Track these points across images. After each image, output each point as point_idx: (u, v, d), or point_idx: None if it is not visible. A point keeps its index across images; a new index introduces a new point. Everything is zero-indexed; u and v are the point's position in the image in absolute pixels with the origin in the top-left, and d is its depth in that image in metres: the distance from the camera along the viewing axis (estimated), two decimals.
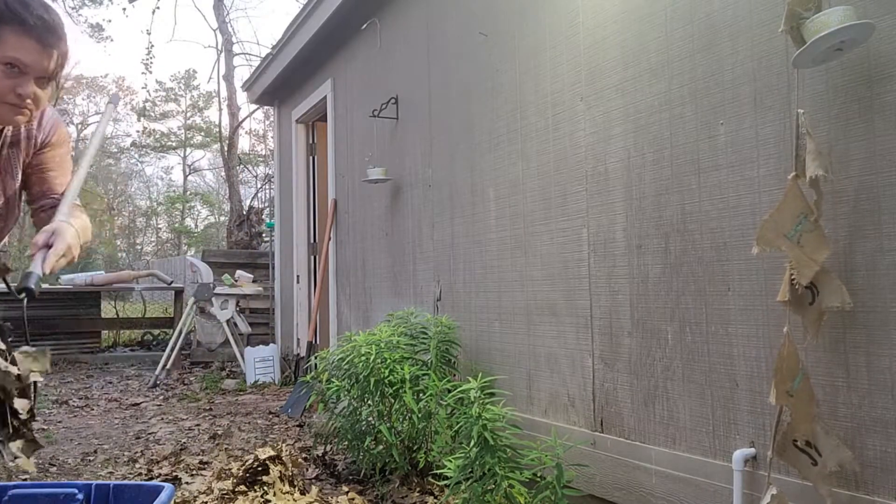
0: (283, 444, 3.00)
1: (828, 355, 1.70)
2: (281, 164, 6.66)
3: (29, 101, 1.40)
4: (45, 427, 4.38)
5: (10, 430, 1.33)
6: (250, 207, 11.78)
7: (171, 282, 8.28)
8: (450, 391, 2.54)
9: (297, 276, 6.04)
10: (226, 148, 13.57)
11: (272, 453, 2.80)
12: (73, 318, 7.86)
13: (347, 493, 2.81)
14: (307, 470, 3.17)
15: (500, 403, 2.34)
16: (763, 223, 1.61)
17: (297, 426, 4.26)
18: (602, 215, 2.41)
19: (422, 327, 3.15)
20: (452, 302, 3.37)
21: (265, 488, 2.70)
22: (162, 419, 4.61)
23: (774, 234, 1.60)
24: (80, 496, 1.70)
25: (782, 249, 1.60)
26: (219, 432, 4.08)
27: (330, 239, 5.14)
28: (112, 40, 41.67)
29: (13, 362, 1.45)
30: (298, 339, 5.98)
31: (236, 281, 6.96)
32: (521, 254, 2.83)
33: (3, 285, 1.46)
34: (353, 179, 4.70)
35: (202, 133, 28.87)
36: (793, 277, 1.59)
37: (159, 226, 34.03)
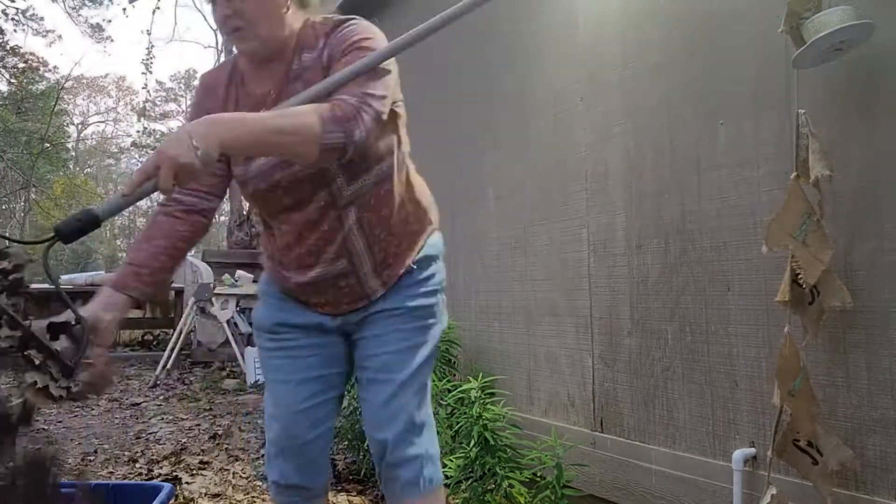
0: None
1: (828, 355, 1.70)
2: None
3: None
4: (46, 427, 4.38)
5: None
6: (251, 207, 11.79)
7: (172, 282, 8.28)
8: (450, 391, 2.54)
9: None
10: None
11: None
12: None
13: (347, 492, 2.81)
14: None
15: (500, 403, 2.34)
16: (770, 223, 1.61)
17: None
18: (602, 215, 2.41)
19: None
20: (452, 302, 3.37)
21: None
22: (162, 419, 4.62)
23: (781, 234, 1.60)
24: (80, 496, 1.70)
25: (790, 249, 1.60)
26: (219, 432, 4.08)
27: None
28: (112, 40, 41.75)
29: None
30: None
31: (236, 281, 6.96)
32: (521, 254, 2.83)
33: None
34: None
35: None
36: (799, 277, 1.58)
37: None
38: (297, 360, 1.54)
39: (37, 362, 1.14)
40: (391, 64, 1.47)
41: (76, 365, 1.19)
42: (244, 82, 1.51)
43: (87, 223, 1.12)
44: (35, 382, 1.14)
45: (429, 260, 1.56)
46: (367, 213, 1.47)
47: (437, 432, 2.69)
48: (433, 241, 1.59)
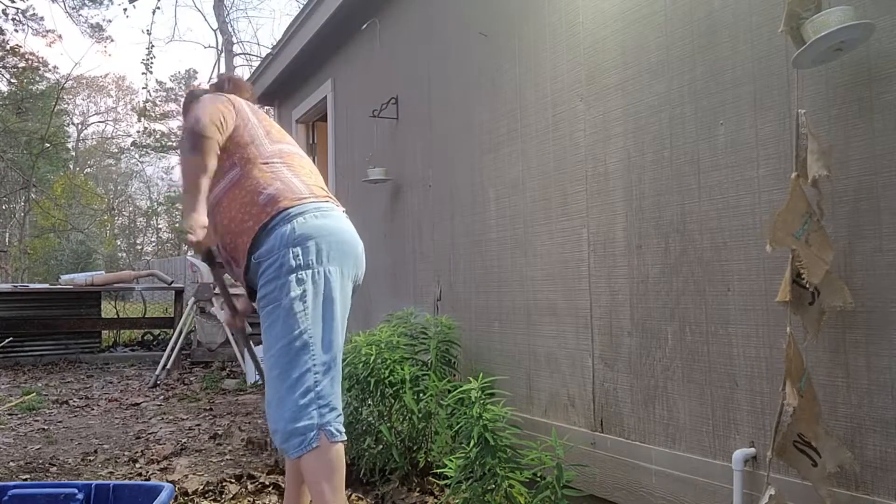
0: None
1: (828, 355, 1.70)
2: None
3: None
4: (46, 427, 4.38)
5: None
6: None
7: (172, 282, 8.28)
8: (450, 391, 2.54)
9: None
10: None
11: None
12: (74, 317, 7.86)
13: (348, 493, 2.81)
14: None
15: (501, 403, 2.34)
16: (774, 222, 1.60)
17: None
18: (602, 215, 2.41)
19: (422, 327, 3.15)
20: (452, 302, 3.37)
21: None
22: (162, 419, 4.62)
23: (785, 233, 1.60)
24: (80, 496, 1.70)
25: (793, 248, 1.59)
26: (219, 432, 4.08)
27: None
28: (112, 40, 41.69)
29: None
30: None
31: (236, 281, 6.95)
32: (521, 254, 2.83)
33: None
34: (354, 179, 4.70)
35: None
36: (802, 277, 1.58)
37: (159, 226, 34.03)
38: None
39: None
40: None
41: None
42: None
43: None
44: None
45: (269, 251, 1.90)
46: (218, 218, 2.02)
47: (437, 432, 2.70)
48: (276, 233, 1.90)
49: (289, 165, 2.05)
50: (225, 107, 1.98)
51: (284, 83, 6.17)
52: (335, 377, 1.93)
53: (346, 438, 1.92)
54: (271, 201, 1.92)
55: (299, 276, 1.87)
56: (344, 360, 2.94)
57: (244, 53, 19.52)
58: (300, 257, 1.88)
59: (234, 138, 2.01)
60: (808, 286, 1.60)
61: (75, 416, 4.79)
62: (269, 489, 2.92)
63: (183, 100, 2.35)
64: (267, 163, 2.01)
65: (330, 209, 2.02)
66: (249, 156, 2.00)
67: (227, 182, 1.99)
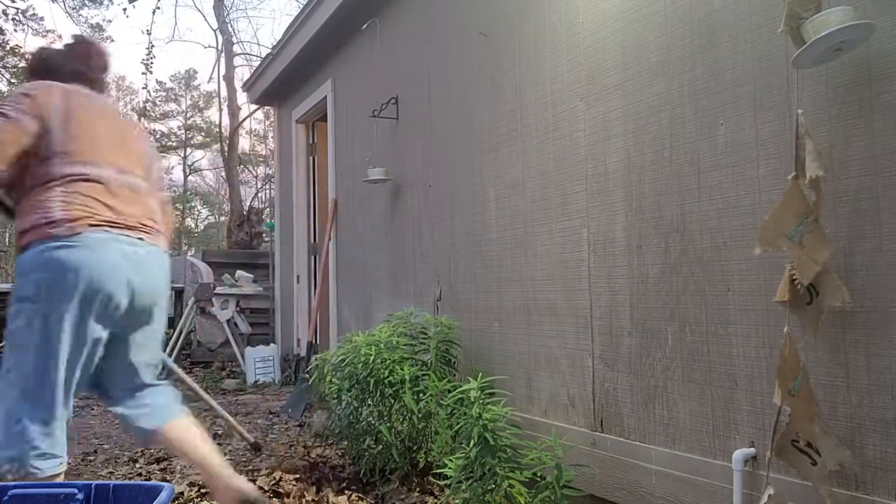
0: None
1: (828, 355, 1.70)
2: (281, 164, 6.66)
3: None
4: None
5: None
6: (250, 207, 11.79)
7: (172, 282, 8.28)
8: (450, 391, 2.54)
9: (298, 276, 6.04)
10: (226, 148, 13.58)
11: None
12: None
13: (348, 493, 2.81)
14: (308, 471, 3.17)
15: (500, 403, 2.34)
16: (764, 223, 1.61)
17: (297, 426, 4.25)
18: (602, 215, 2.41)
19: (421, 327, 3.15)
20: (452, 302, 3.37)
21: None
22: None
23: (775, 235, 1.60)
24: (80, 496, 1.70)
25: (784, 250, 1.60)
26: (219, 432, 4.08)
27: (330, 239, 5.15)
28: (112, 40, 41.65)
29: None
30: (298, 340, 5.98)
31: (236, 281, 6.96)
32: (521, 254, 2.83)
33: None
34: (354, 179, 4.70)
35: (202, 133, 28.87)
36: (794, 277, 1.59)
37: None
38: None
39: None
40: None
41: None
42: None
43: None
44: None
45: (16, 274, 1.92)
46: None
47: (437, 432, 2.71)
48: (21, 259, 1.91)
49: (68, 193, 1.93)
50: (9, 128, 1.90)
51: (284, 83, 6.17)
52: (48, 416, 2.09)
53: (47, 474, 2.04)
54: (30, 229, 1.90)
55: (20, 307, 1.88)
56: (344, 360, 2.95)
57: (244, 53, 19.54)
58: (25, 289, 1.88)
59: (31, 149, 1.94)
60: (798, 287, 1.59)
61: (75, 416, 4.79)
62: (268, 491, 2.92)
63: (31, 58, 2.27)
64: (46, 187, 1.93)
65: (93, 242, 1.90)
66: (38, 173, 1.94)
67: (26, 186, 1.96)
